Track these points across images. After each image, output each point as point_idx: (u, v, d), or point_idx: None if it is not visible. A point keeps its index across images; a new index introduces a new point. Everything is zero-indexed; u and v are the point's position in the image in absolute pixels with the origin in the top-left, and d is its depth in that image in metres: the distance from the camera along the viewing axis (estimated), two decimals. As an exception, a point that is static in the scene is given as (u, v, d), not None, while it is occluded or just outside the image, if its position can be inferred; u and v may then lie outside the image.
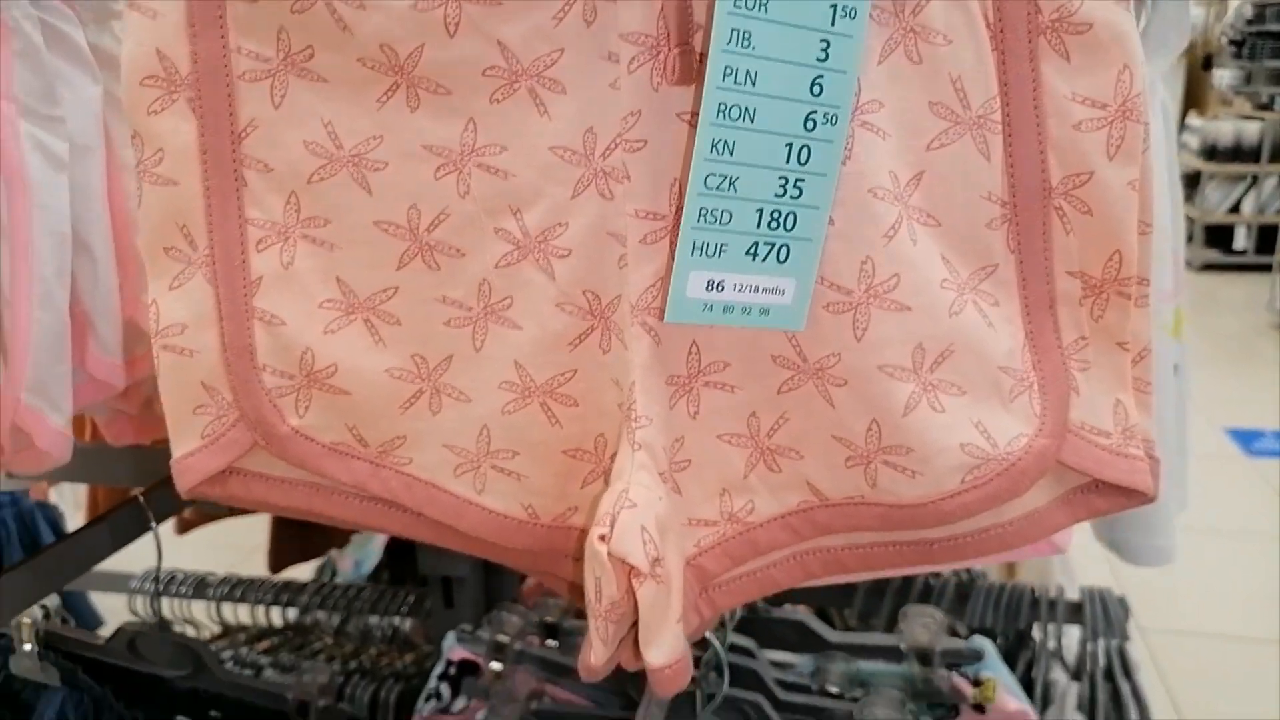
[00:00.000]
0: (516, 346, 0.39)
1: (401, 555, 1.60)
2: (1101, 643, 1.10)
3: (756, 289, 0.35)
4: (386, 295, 0.39)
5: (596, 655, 0.36)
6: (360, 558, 1.70)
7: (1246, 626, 2.44)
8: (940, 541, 0.38)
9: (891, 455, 0.36)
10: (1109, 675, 1.11)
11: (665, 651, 0.35)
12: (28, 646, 0.84)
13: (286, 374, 0.39)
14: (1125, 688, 1.08)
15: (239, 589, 1.21)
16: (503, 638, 0.77)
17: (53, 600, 0.86)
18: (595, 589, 0.35)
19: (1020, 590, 1.15)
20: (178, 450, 0.41)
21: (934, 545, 0.38)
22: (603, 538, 0.35)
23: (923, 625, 0.74)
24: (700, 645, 0.71)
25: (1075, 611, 1.12)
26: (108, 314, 0.61)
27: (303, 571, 1.35)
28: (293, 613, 1.25)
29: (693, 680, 0.70)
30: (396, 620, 1.21)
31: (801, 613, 0.80)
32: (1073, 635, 1.16)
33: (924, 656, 0.75)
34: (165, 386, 0.40)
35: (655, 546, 0.35)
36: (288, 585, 1.22)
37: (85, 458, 0.93)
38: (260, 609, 1.23)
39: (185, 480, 0.41)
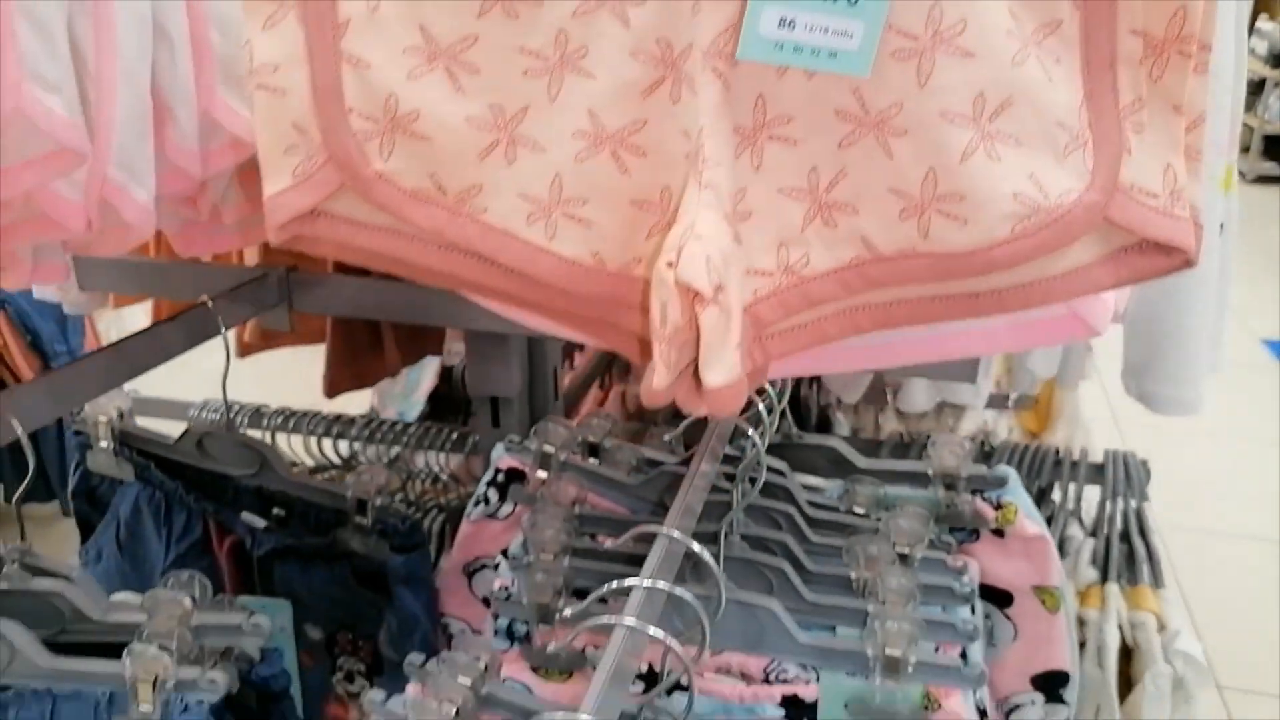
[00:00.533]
0: (590, 95, 0.41)
1: (444, 407, 1.65)
2: (1120, 503, 1.13)
3: (826, 30, 0.36)
4: (467, 44, 0.41)
5: (659, 379, 0.39)
6: (403, 409, 1.76)
7: (1266, 527, 2.48)
8: (985, 294, 0.40)
9: (945, 204, 0.38)
10: (1125, 536, 1.14)
11: (723, 373, 0.38)
12: (104, 443, 0.90)
13: (372, 118, 0.42)
14: (1140, 547, 1.12)
15: (292, 419, 1.27)
16: (549, 448, 0.82)
17: (126, 402, 0.91)
18: (661, 314, 0.38)
19: (1044, 450, 1.18)
20: (269, 189, 0.44)
21: (979, 297, 0.41)
22: (670, 264, 0.37)
23: (950, 451, 0.77)
24: (734, 463, 0.75)
25: (1096, 472, 1.15)
26: (185, 100, 0.63)
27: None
28: (344, 448, 1.30)
29: (725, 490, 0.74)
30: (442, 459, 1.27)
31: (833, 440, 0.84)
32: (1091, 500, 1.19)
33: (950, 481, 0.78)
34: (259, 125, 0.43)
35: (719, 274, 0.37)
36: (339, 418, 1.28)
37: (152, 272, 0.97)
38: (314, 444, 1.29)
39: (276, 217, 0.44)
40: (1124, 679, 1.09)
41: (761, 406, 0.68)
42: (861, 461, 0.82)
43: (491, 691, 0.61)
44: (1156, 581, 1.10)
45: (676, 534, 0.50)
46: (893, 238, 0.40)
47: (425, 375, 1.80)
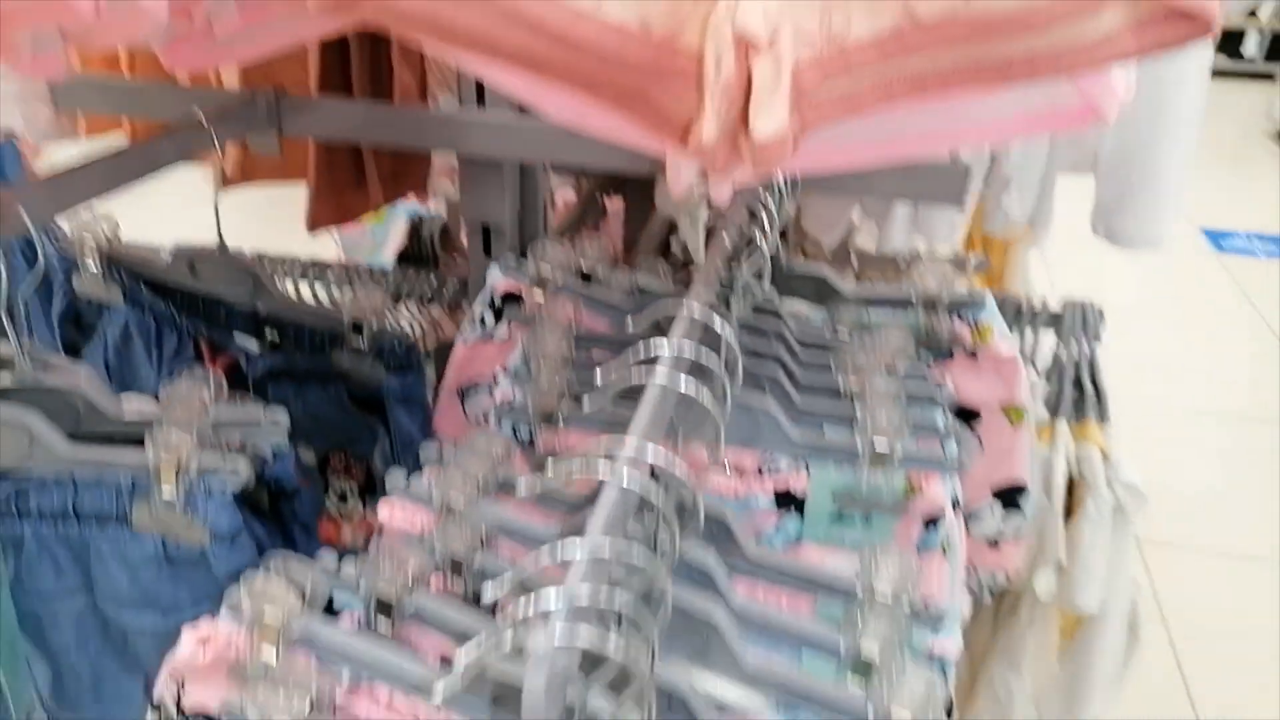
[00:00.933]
0: None
1: (412, 265, 1.65)
2: (1074, 347, 1.19)
3: None
4: None
5: (708, 132, 0.41)
6: (372, 262, 1.76)
7: (1195, 400, 2.62)
8: (1019, 61, 0.43)
9: (987, -36, 0.40)
10: (1077, 380, 1.21)
11: (772, 123, 0.40)
12: (91, 265, 0.89)
13: None
14: (1089, 388, 1.19)
15: (268, 262, 1.26)
16: (546, 267, 0.83)
17: (113, 223, 0.90)
18: (714, 66, 0.40)
19: (1006, 298, 1.23)
20: (312, -57, 0.44)
21: (1013, 64, 0.43)
22: (727, 14, 0.39)
23: (933, 273, 0.81)
24: (727, 290, 0.78)
25: (1054, 320, 1.20)
26: (189, -120, 0.61)
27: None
28: (322, 293, 1.30)
29: (720, 305, 0.77)
30: (416, 310, 1.27)
31: (820, 268, 0.87)
32: (1047, 349, 1.25)
33: (930, 303, 0.82)
34: None
35: (774, 24, 0.39)
36: (316, 262, 1.27)
37: (132, 93, 0.94)
38: (289, 287, 1.29)
39: (319, -27, 0.44)
40: (1070, 511, 1.17)
41: (762, 215, 0.71)
42: (847, 289, 0.86)
43: (508, 476, 0.64)
44: (1102, 417, 1.18)
45: (698, 308, 0.53)
46: (935, 4, 0.41)
47: (393, 232, 1.79)
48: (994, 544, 0.94)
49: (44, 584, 0.67)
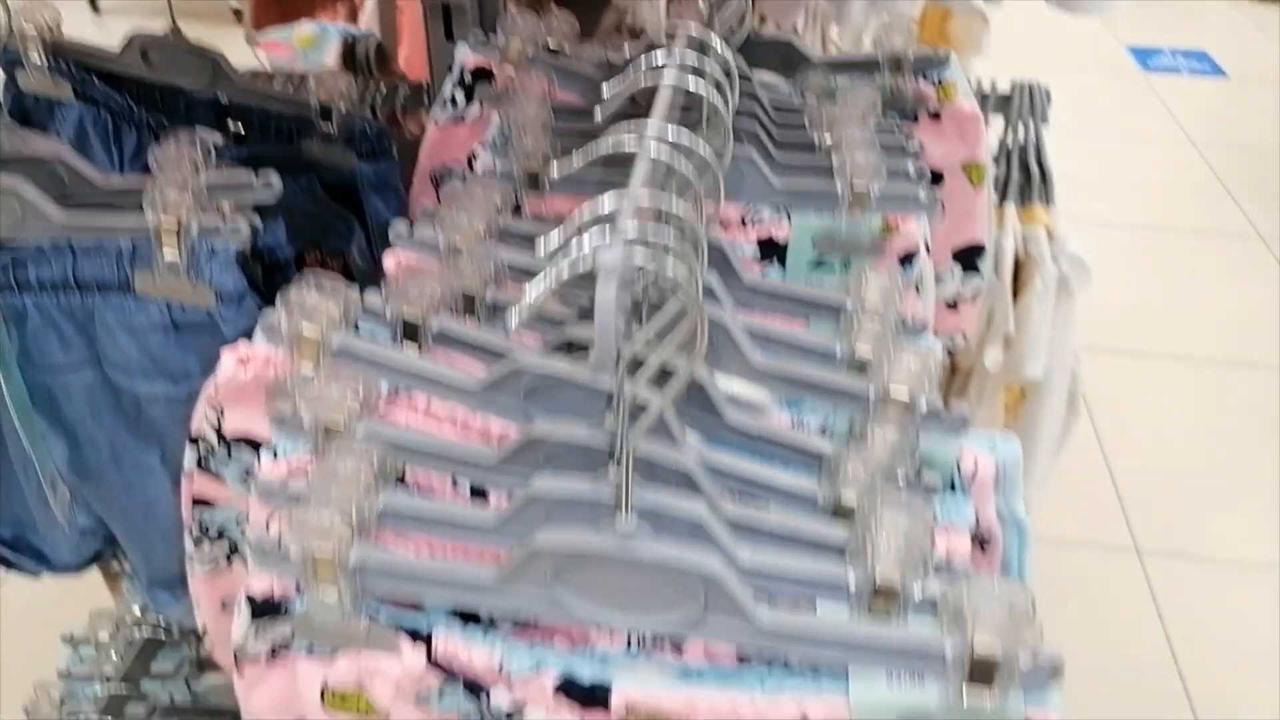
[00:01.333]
0: None
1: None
2: (1020, 132, 1.23)
3: None
4: None
5: None
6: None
7: (1117, 214, 2.73)
8: None
9: None
10: (1023, 165, 1.26)
11: None
12: (36, 59, 0.86)
13: None
14: (1035, 170, 1.24)
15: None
16: (516, 42, 0.82)
17: (53, 15, 0.85)
18: None
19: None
20: None
21: None
22: None
23: (899, 32, 0.83)
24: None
25: (1003, 103, 1.24)
26: None
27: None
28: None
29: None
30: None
31: (788, 35, 0.87)
32: (994, 137, 1.29)
33: (896, 63, 0.84)
34: None
35: None
36: (258, 74, 1.23)
37: None
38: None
39: None
40: (1017, 292, 1.24)
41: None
42: (814, 55, 0.87)
43: (507, 225, 0.66)
44: (1048, 199, 1.23)
45: (695, 26, 0.54)
46: None
47: (327, 54, 1.72)
48: (953, 306, 0.99)
49: (52, 357, 0.67)
